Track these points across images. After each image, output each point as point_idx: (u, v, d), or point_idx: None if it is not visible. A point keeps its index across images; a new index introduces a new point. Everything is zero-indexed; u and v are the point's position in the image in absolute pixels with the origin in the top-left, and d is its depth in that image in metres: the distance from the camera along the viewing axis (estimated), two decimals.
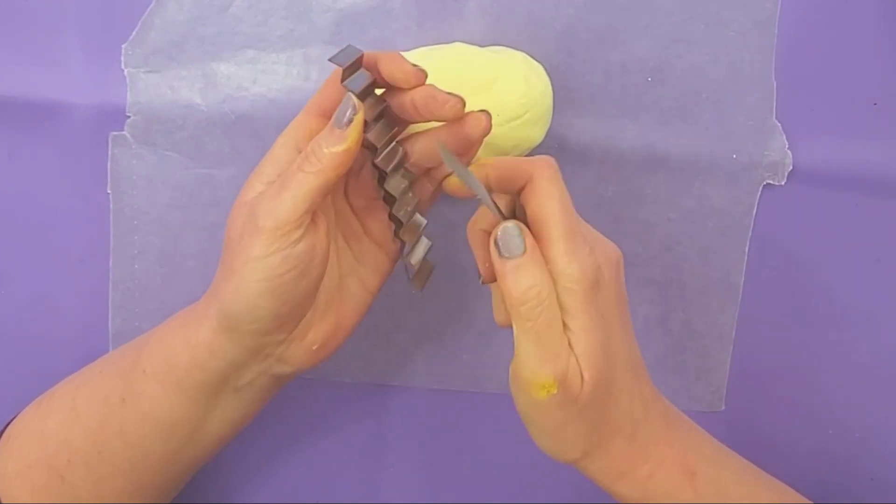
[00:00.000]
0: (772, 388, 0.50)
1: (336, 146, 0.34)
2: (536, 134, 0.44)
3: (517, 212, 0.37)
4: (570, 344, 0.33)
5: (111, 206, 0.48)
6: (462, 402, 0.50)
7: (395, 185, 0.37)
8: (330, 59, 0.34)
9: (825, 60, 0.48)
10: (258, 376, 0.38)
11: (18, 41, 0.47)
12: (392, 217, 0.38)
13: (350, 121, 0.34)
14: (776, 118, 0.48)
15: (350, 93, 0.34)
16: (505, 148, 0.43)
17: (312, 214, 0.35)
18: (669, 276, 0.49)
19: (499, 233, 0.33)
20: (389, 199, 0.38)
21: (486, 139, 0.42)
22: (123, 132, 0.47)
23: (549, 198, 0.34)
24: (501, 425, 0.50)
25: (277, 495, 0.50)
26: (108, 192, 0.48)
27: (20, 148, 0.47)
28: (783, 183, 0.48)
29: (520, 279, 0.32)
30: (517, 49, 0.45)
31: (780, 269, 0.49)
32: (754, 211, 0.48)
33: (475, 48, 0.44)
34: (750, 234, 0.48)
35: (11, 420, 0.41)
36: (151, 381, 0.37)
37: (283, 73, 0.47)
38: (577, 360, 0.33)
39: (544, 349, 0.32)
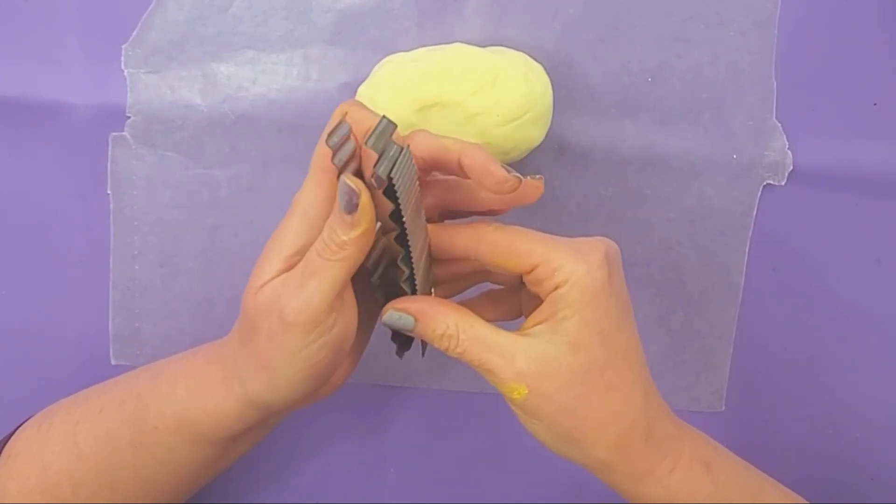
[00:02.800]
0: (772, 389, 0.50)
1: (351, 232, 0.32)
2: (536, 134, 0.44)
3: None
4: (562, 330, 0.33)
5: (111, 206, 0.48)
6: (462, 403, 0.50)
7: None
8: (328, 143, 0.31)
9: (825, 60, 0.48)
10: (282, 416, 0.39)
11: (18, 41, 0.47)
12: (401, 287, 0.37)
13: (356, 206, 0.31)
14: (776, 118, 0.48)
15: (345, 177, 0.31)
16: (505, 148, 0.43)
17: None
18: (669, 276, 0.49)
19: (387, 324, 0.35)
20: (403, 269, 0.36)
21: (485, 140, 0.43)
22: (123, 132, 0.47)
23: (512, 234, 0.34)
24: (501, 425, 0.50)
25: (277, 495, 0.50)
26: (108, 192, 0.48)
27: (20, 148, 0.47)
28: (783, 183, 0.48)
29: (429, 336, 0.35)
30: (517, 49, 0.45)
31: (780, 269, 0.49)
32: (754, 211, 0.48)
33: (475, 48, 0.44)
34: (750, 234, 0.48)
35: (12, 433, 0.41)
36: (165, 435, 0.37)
37: (282, 73, 0.47)
38: (555, 352, 0.33)
39: (489, 364, 0.34)
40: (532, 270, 0.34)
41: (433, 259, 0.37)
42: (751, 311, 0.49)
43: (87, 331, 0.48)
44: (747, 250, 0.49)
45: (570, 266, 0.33)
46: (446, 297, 0.39)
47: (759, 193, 0.48)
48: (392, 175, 0.31)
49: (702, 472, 0.36)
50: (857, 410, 0.50)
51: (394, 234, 0.34)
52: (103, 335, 0.48)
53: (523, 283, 0.38)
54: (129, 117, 0.47)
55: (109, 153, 0.47)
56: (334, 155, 0.32)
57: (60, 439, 0.39)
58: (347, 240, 0.32)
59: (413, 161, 0.33)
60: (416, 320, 0.35)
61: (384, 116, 0.32)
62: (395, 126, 0.32)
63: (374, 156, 0.31)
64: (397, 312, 0.35)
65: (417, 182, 0.34)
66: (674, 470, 0.35)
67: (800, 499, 0.40)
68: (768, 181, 0.48)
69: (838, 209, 0.48)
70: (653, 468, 0.35)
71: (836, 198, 0.48)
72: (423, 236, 0.35)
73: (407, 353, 0.39)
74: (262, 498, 0.50)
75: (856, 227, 0.49)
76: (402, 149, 0.32)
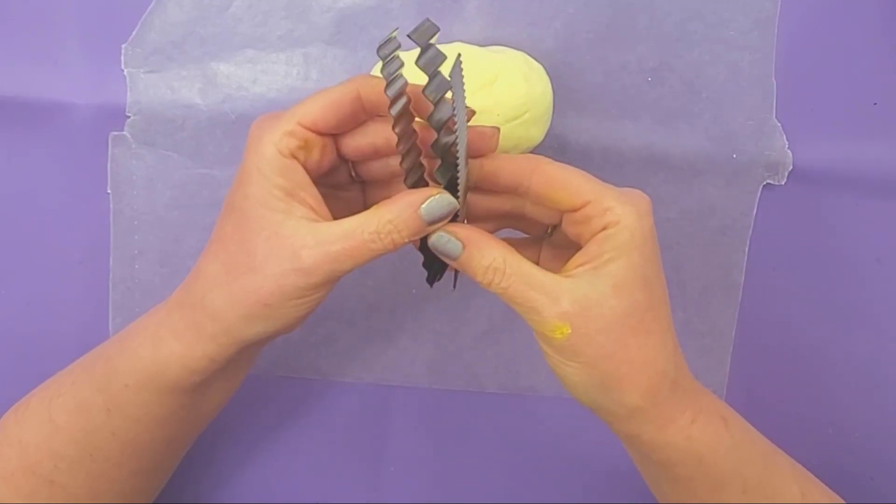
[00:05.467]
0: (771, 388, 0.50)
1: (415, 236, 0.33)
2: (536, 133, 0.44)
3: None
4: (606, 272, 0.33)
5: (111, 206, 0.48)
6: (462, 402, 0.50)
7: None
8: (410, 35, 0.31)
9: (825, 60, 0.48)
10: (254, 354, 0.39)
11: (18, 41, 0.47)
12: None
13: (442, 219, 0.33)
14: (776, 118, 0.48)
15: (447, 195, 0.33)
16: (505, 147, 0.43)
17: None
18: (669, 276, 0.48)
19: (434, 246, 0.35)
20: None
21: None
22: (123, 132, 0.47)
23: (566, 170, 0.35)
24: (501, 425, 0.50)
25: (278, 495, 0.50)
26: (108, 192, 0.48)
27: (20, 148, 0.47)
28: (783, 183, 0.48)
29: (474, 267, 0.34)
30: (517, 49, 0.45)
31: (780, 269, 0.49)
32: (754, 211, 0.48)
33: (475, 48, 0.44)
34: (750, 233, 0.48)
35: None
36: (136, 392, 0.37)
37: (282, 73, 0.47)
38: (598, 293, 0.33)
39: (533, 302, 0.33)
40: (582, 207, 0.34)
41: (473, 189, 0.37)
42: (751, 310, 0.49)
43: (87, 330, 0.48)
44: (747, 250, 0.49)
45: (622, 209, 0.33)
46: None
47: (759, 193, 0.48)
48: (452, 92, 0.31)
49: (720, 425, 0.36)
50: (856, 410, 0.50)
51: (438, 162, 0.34)
52: (103, 335, 0.48)
53: (549, 233, 0.38)
54: (128, 117, 0.47)
55: (109, 153, 0.47)
56: (388, 85, 0.32)
57: (36, 418, 0.39)
58: (408, 241, 0.33)
59: (463, 85, 0.33)
60: (463, 247, 0.34)
61: (427, 18, 0.31)
62: (438, 28, 0.31)
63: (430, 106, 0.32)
64: (446, 235, 0.34)
65: (465, 109, 0.34)
66: (695, 420, 0.36)
67: (804, 468, 0.40)
68: (768, 181, 0.48)
69: (838, 209, 0.48)
70: (676, 417, 0.35)
71: (836, 198, 0.48)
72: (467, 164, 0.35)
73: (437, 285, 0.39)
74: (263, 498, 0.50)
75: (856, 227, 0.49)
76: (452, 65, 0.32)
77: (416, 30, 0.31)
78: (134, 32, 0.47)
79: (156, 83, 0.47)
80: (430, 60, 0.31)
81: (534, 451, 0.50)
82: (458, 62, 0.32)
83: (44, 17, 0.47)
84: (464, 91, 0.33)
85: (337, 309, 0.49)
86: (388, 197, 0.38)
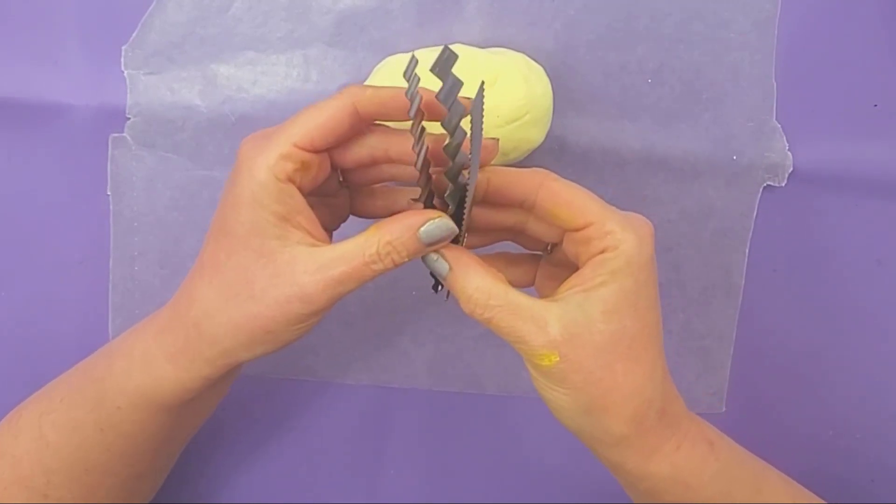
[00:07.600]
0: (772, 390, 0.50)
1: (414, 256, 0.33)
2: (536, 135, 0.44)
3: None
4: (597, 296, 0.33)
5: (111, 207, 0.48)
6: (462, 403, 0.50)
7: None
8: (432, 70, 0.31)
9: (825, 60, 0.48)
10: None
11: (18, 41, 0.47)
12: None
13: (441, 241, 0.33)
14: (776, 119, 0.48)
15: (448, 220, 0.33)
16: (505, 149, 0.43)
17: None
18: (669, 276, 0.49)
19: (425, 263, 0.35)
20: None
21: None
22: (123, 134, 0.47)
23: (572, 188, 0.34)
24: (501, 426, 0.50)
25: (277, 496, 0.50)
26: (108, 193, 0.48)
27: (20, 148, 0.47)
28: (783, 184, 0.48)
29: (458, 293, 0.34)
30: (517, 50, 0.45)
31: (780, 269, 0.49)
32: (754, 212, 0.48)
33: (475, 49, 0.44)
34: (750, 234, 0.48)
35: None
36: (129, 412, 0.37)
37: (282, 74, 0.47)
38: (587, 318, 0.33)
39: (520, 332, 0.33)
40: (584, 228, 0.34)
41: (479, 203, 0.37)
42: (751, 311, 0.49)
43: (86, 331, 0.48)
44: (747, 251, 0.49)
45: (623, 234, 0.33)
46: (473, 246, 0.39)
47: (760, 194, 0.48)
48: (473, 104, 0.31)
49: (706, 450, 0.36)
50: (857, 411, 0.50)
51: (444, 168, 0.34)
52: (103, 335, 0.48)
53: (549, 250, 0.38)
54: (128, 118, 0.47)
55: (109, 154, 0.47)
56: (411, 104, 0.31)
57: (28, 433, 0.39)
58: (406, 261, 0.33)
59: (482, 115, 0.33)
60: (450, 268, 0.34)
61: (445, 46, 0.31)
62: (457, 56, 0.31)
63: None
64: (436, 254, 0.34)
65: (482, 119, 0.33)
66: (680, 447, 0.36)
67: (797, 484, 0.40)
68: (768, 182, 0.48)
69: (838, 209, 0.48)
70: (662, 445, 0.35)
71: (836, 198, 0.48)
72: (475, 176, 0.35)
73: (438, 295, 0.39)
74: (264, 498, 0.50)
75: (856, 227, 0.49)
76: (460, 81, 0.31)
77: (436, 63, 0.30)
78: (134, 34, 0.47)
79: (156, 84, 0.47)
80: (449, 91, 0.31)
81: (533, 452, 0.50)
82: (480, 93, 0.31)
83: (44, 17, 0.47)
84: (482, 120, 0.32)
85: (336, 311, 0.49)
86: (376, 203, 0.38)
